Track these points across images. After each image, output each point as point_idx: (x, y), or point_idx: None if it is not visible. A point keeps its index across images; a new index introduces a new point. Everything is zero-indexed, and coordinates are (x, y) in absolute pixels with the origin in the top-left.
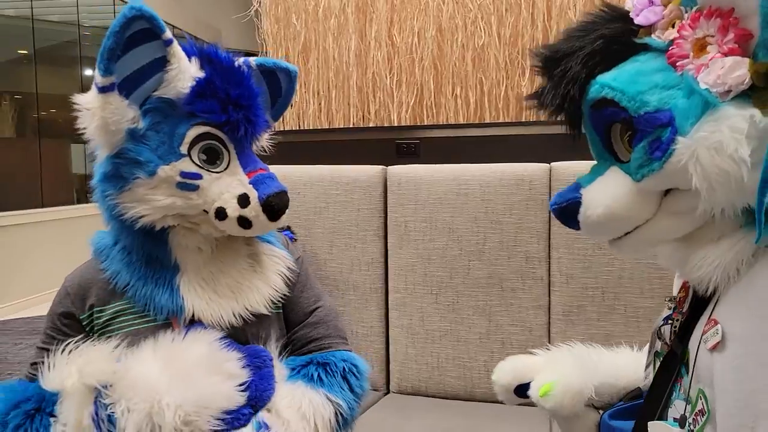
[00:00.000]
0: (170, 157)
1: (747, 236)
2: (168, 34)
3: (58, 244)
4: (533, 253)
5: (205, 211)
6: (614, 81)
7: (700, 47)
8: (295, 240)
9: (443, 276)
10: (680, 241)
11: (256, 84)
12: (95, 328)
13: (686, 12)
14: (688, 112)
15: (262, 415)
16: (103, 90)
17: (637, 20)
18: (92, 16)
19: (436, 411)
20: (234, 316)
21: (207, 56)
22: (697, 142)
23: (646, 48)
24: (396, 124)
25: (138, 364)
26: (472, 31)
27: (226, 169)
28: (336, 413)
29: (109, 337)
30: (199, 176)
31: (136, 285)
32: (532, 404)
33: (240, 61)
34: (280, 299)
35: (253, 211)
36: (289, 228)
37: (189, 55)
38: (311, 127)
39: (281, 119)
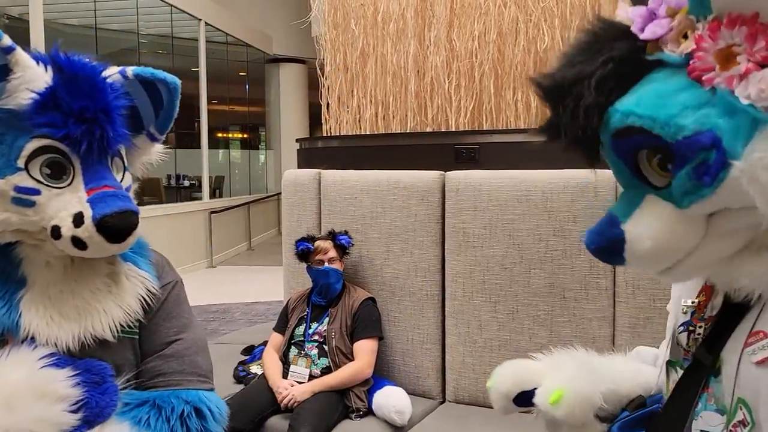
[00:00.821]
0: (6, 171)
1: None
2: (6, 41)
3: None
4: (598, 263)
5: (44, 228)
6: (638, 107)
7: (726, 58)
8: (353, 245)
9: (502, 284)
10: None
11: (135, 95)
12: None
13: (698, 22)
14: (736, 133)
15: None
16: None
17: (644, 36)
18: (149, 25)
19: (493, 422)
20: (73, 339)
21: (59, 66)
22: (754, 164)
23: (659, 64)
24: (454, 129)
25: None
26: (535, 34)
27: (69, 184)
28: None
29: None
30: (36, 192)
31: None
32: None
33: (113, 70)
34: (133, 324)
35: (87, 231)
36: (346, 233)
37: (43, 64)
38: (368, 132)
39: (338, 123)
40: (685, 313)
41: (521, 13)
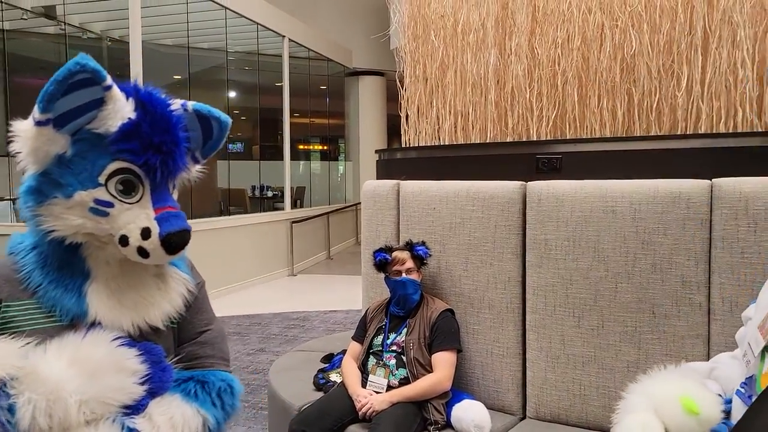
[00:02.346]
0: (88, 184)
1: None
2: (108, 81)
3: (209, 252)
4: (690, 277)
5: (111, 235)
6: None
7: None
8: (430, 255)
9: (587, 298)
10: None
11: (190, 126)
12: (1, 323)
13: None
14: None
15: (134, 420)
16: (38, 124)
17: None
18: (236, 43)
19: None
20: (132, 326)
21: (141, 101)
22: None
23: None
24: (535, 139)
25: (44, 361)
26: (621, 40)
27: (138, 201)
28: (204, 424)
29: (15, 332)
30: (111, 205)
31: (47, 287)
32: None
33: (177, 104)
34: (176, 317)
35: (152, 244)
36: (423, 243)
37: (129, 96)
38: (447, 143)
39: (417, 134)
40: None
41: (607, 18)
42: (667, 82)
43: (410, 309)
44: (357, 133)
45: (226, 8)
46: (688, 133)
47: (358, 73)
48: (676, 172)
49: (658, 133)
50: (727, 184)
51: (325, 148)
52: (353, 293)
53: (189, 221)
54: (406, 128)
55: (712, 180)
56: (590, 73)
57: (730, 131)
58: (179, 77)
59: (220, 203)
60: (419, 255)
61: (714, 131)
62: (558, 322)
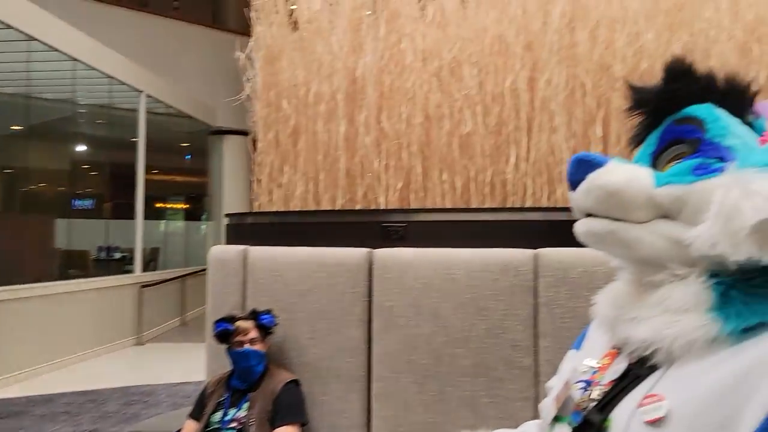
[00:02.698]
0: None
1: (712, 322)
2: None
3: (43, 320)
4: (519, 341)
5: None
6: (717, 111)
7: None
8: (277, 324)
9: (429, 364)
10: (641, 294)
11: None
12: None
13: None
14: (751, 162)
15: None
16: None
17: (759, 106)
18: (89, 96)
19: None
20: None
21: None
22: (738, 181)
23: (750, 126)
24: (383, 207)
25: None
26: (459, 119)
27: None
28: None
29: None
30: None
31: None
32: None
33: None
34: None
35: None
36: (269, 312)
37: None
38: (299, 209)
39: (269, 199)
40: (585, 372)
41: (445, 99)
42: (498, 159)
43: (253, 382)
44: (220, 192)
45: (75, 59)
46: (515, 206)
47: (222, 132)
48: (507, 242)
49: (492, 206)
50: (549, 253)
51: (187, 206)
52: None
53: (19, 286)
54: (258, 193)
55: (537, 250)
56: (432, 147)
57: (552, 206)
58: (18, 127)
59: (58, 266)
60: (264, 324)
61: (538, 205)
62: (402, 389)
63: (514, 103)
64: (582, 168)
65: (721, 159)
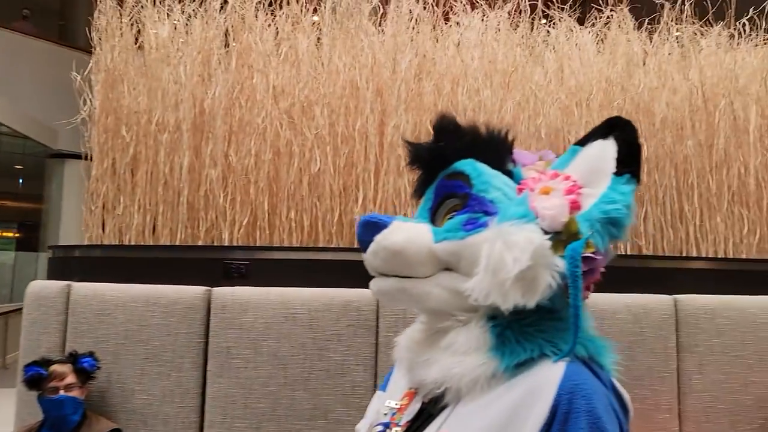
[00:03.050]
0: None
1: (491, 360)
2: None
3: None
4: (360, 382)
5: None
6: (479, 165)
7: (545, 192)
8: (98, 368)
9: (265, 408)
10: (432, 339)
11: None
12: None
13: (547, 168)
14: (510, 214)
15: None
16: None
17: (516, 154)
18: None
19: None
20: None
21: None
22: (500, 233)
23: (509, 174)
24: (227, 244)
25: None
26: (309, 158)
27: None
28: None
29: None
30: None
31: None
32: None
33: None
34: None
35: None
36: (91, 354)
37: None
38: (133, 243)
39: (103, 231)
40: (386, 414)
41: (296, 137)
42: (347, 199)
43: None
44: (58, 221)
45: None
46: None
47: (63, 156)
48: (352, 281)
49: (339, 245)
50: None
51: (19, 235)
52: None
53: None
54: (90, 224)
55: None
56: (281, 184)
57: None
58: None
59: None
60: (84, 368)
61: None
62: None
63: (364, 145)
64: (369, 230)
65: (486, 212)
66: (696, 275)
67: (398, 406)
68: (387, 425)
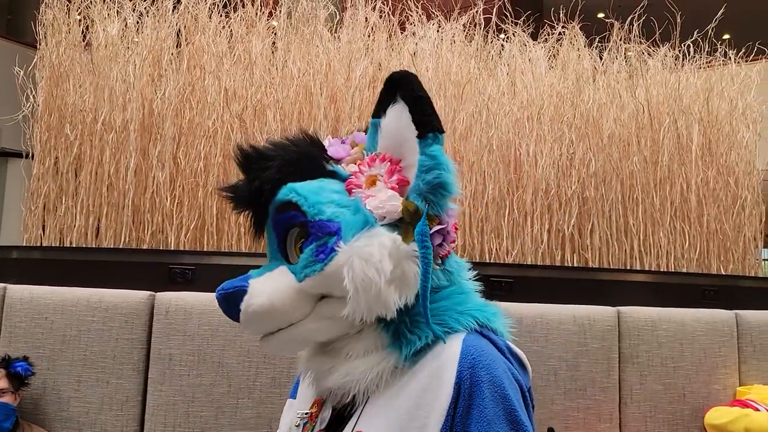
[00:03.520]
0: None
1: (390, 355)
2: None
3: None
4: None
5: None
6: (300, 189)
7: (371, 182)
8: (33, 374)
9: (208, 416)
10: (332, 351)
11: None
12: None
13: (366, 155)
14: (352, 225)
15: None
16: None
17: (330, 152)
18: None
19: None
20: None
21: None
22: (353, 251)
23: (333, 175)
24: (173, 248)
25: None
26: None
27: None
28: None
29: None
30: None
31: None
32: None
33: None
34: None
35: None
36: (25, 358)
37: None
38: (75, 245)
39: (42, 231)
40: (298, 425)
41: (247, 141)
42: None
43: None
44: None
45: None
46: None
47: (6, 154)
48: None
49: None
50: None
51: None
52: None
53: None
54: (30, 224)
55: None
56: None
57: None
58: None
59: None
60: (18, 373)
61: None
62: None
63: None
64: (230, 303)
65: (331, 233)
66: (639, 288)
67: (309, 414)
68: None
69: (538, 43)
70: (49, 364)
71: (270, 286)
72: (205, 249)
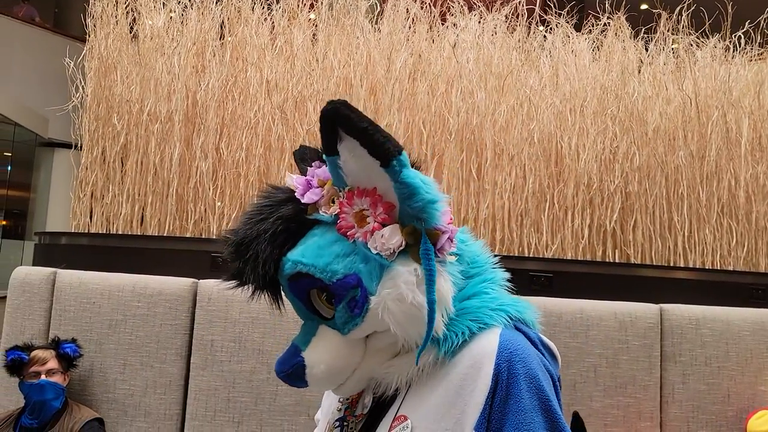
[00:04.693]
0: None
1: (431, 350)
2: None
3: None
4: None
5: None
6: (303, 257)
7: (361, 218)
8: (81, 355)
9: (248, 402)
10: None
11: None
12: None
13: (340, 191)
14: (371, 275)
15: None
16: None
17: (304, 200)
18: None
19: None
20: None
21: None
22: (385, 298)
23: (317, 222)
24: (215, 237)
25: None
26: None
27: None
28: None
29: None
30: None
31: None
32: None
33: None
34: None
35: None
36: (74, 340)
37: None
38: (121, 232)
39: (89, 219)
40: (339, 410)
41: (288, 131)
42: None
43: (47, 420)
44: (45, 210)
45: None
46: None
47: (53, 145)
48: None
49: None
50: None
51: (5, 223)
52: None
53: None
54: (78, 212)
55: None
56: (271, 179)
57: None
58: None
59: None
60: (67, 354)
61: None
62: (217, 428)
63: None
64: (294, 379)
65: (354, 287)
66: (682, 286)
67: (350, 400)
68: (343, 419)
69: (582, 34)
70: (96, 347)
71: (324, 351)
72: None
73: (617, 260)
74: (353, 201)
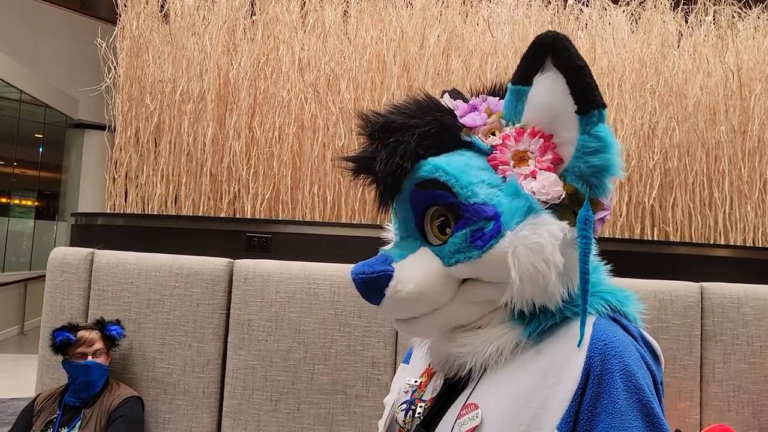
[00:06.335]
0: None
1: (513, 329)
2: None
3: None
4: (380, 359)
5: None
6: (448, 166)
7: (520, 158)
8: (124, 336)
9: (285, 381)
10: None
11: None
12: None
13: (507, 125)
14: (514, 212)
15: None
16: None
17: (463, 120)
18: None
19: None
20: None
21: None
22: (519, 240)
23: (468, 146)
24: (249, 216)
25: None
26: (334, 132)
27: None
28: None
29: None
30: None
31: None
32: None
33: None
34: None
35: None
36: (118, 322)
37: None
38: (156, 212)
39: (126, 200)
40: (407, 392)
41: (321, 111)
42: None
43: (89, 398)
44: (77, 190)
45: None
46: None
47: (84, 126)
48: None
49: (362, 222)
50: None
51: (39, 204)
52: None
53: None
54: (113, 192)
55: None
56: (304, 159)
57: None
58: None
59: None
60: (112, 335)
61: None
62: (255, 406)
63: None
64: (372, 288)
65: (488, 218)
66: (723, 263)
67: (418, 383)
68: (411, 402)
69: (620, 6)
70: (135, 326)
71: (418, 272)
72: (279, 218)
73: (656, 238)
74: (521, 139)
